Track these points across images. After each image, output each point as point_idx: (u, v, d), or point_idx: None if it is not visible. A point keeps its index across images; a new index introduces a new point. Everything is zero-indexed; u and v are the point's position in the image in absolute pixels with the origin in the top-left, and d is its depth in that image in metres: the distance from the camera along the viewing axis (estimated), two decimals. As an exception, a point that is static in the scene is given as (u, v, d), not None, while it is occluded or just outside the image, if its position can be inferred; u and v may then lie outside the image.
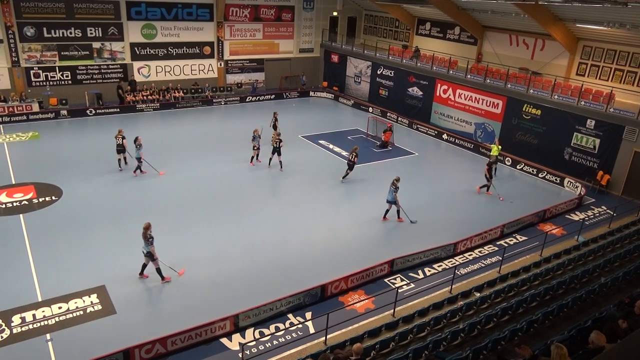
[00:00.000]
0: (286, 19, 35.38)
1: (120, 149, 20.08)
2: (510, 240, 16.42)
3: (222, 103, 32.41)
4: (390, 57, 31.76)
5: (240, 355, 10.28)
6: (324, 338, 10.95)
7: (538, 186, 21.71)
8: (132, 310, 12.04)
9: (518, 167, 23.35)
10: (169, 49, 31.60)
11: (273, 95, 34.53)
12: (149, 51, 30.97)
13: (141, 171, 19.81)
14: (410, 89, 30.47)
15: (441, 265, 14.74)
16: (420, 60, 30.14)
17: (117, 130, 20.37)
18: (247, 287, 13.17)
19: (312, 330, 11.49)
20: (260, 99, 33.84)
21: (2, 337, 10.87)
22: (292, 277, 13.59)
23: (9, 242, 14.63)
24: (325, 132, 27.27)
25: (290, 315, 12.10)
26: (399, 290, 12.51)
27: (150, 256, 12.82)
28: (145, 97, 30.07)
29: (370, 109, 32.14)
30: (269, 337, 11.30)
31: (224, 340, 11.14)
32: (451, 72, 27.87)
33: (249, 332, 11.45)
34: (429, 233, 16.52)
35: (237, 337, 11.27)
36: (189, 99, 31.73)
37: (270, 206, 18.13)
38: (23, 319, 11.41)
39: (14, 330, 11.07)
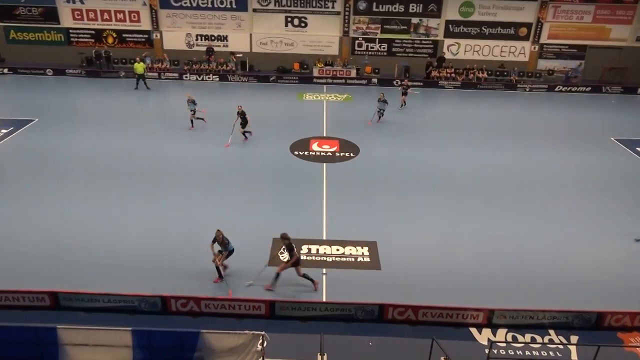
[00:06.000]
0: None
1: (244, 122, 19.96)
2: None
3: (527, 90, 30.29)
4: None
5: (486, 351, 9.89)
6: (588, 370, 9.54)
7: None
8: (395, 270, 12.75)
9: None
10: (483, 28, 31.04)
11: (589, 88, 30.33)
12: (463, 29, 31.09)
13: None
14: None
15: None
16: None
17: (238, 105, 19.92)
18: (513, 285, 12.38)
19: (574, 357, 10.16)
20: (573, 90, 30.24)
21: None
22: (554, 290, 12.20)
23: (311, 185, 17.31)
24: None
25: (551, 331, 10.93)
26: None
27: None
28: (448, 75, 30.58)
29: None
30: (522, 345, 10.50)
31: (473, 331, 10.89)
32: None
33: (500, 332, 10.87)
34: None
35: (487, 332, 10.85)
36: (492, 81, 30.78)
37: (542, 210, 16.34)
38: (309, 249, 13.47)
39: (301, 257, 13.15)
